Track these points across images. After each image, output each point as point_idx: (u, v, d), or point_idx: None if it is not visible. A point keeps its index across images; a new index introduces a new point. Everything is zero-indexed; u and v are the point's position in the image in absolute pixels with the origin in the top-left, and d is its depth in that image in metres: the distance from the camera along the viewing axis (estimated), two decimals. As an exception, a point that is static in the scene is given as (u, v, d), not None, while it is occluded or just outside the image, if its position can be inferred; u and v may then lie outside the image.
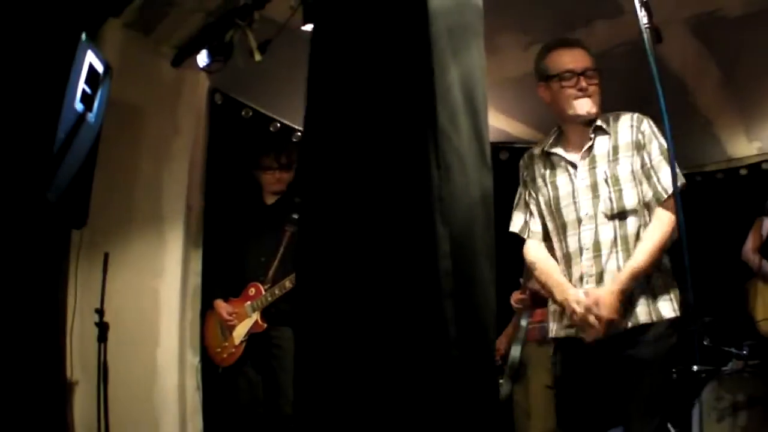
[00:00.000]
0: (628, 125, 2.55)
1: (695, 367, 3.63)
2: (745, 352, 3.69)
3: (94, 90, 2.85)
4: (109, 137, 3.22)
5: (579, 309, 2.41)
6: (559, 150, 2.64)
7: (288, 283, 3.65)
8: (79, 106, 2.74)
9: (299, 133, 4.60)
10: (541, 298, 3.24)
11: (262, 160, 3.98)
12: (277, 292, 3.71)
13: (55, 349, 3.26)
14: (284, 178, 3.99)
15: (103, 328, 3.30)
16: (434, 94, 1.39)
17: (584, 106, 2.54)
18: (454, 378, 1.31)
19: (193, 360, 4.02)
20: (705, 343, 3.79)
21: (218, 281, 3.99)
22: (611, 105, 2.64)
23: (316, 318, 1.50)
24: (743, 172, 5.41)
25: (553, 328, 2.64)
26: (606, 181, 2.49)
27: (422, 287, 1.35)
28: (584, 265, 2.51)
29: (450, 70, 1.44)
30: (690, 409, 3.54)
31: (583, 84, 2.52)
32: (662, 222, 2.43)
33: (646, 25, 2.07)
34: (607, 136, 2.55)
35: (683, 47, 3.78)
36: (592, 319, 2.39)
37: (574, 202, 2.56)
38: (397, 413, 1.33)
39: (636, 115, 2.57)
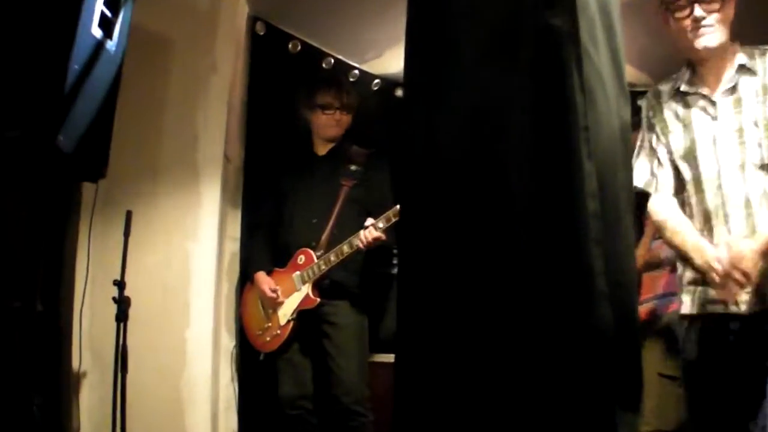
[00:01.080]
0: None
1: None
2: None
3: (116, 13, 2.71)
4: (133, 72, 3.08)
5: (720, 267, 2.25)
6: (694, 89, 2.50)
7: (346, 248, 3.44)
8: (97, 32, 2.59)
9: (356, 71, 4.51)
10: (652, 263, 3.22)
11: (318, 98, 3.78)
12: (332, 258, 3.48)
13: (59, 330, 3.19)
14: (344, 121, 3.80)
15: (123, 305, 3.05)
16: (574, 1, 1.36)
17: (703, 39, 2.40)
18: (602, 345, 1.27)
19: (228, 344, 3.87)
20: None
21: (260, 247, 3.82)
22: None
23: (431, 278, 1.47)
24: None
25: (687, 302, 2.49)
26: (755, 124, 2.36)
27: (567, 231, 1.32)
28: (731, 225, 2.36)
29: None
30: None
31: (700, 12, 2.37)
32: None
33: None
34: (752, 74, 2.41)
35: None
36: (738, 275, 2.21)
37: (715, 149, 2.42)
38: (540, 384, 1.30)
39: None
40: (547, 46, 1.37)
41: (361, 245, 3.40)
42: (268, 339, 3.65)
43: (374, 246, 3.42)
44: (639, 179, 2.59)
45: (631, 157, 1.55)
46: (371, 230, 3.40)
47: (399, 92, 4.44)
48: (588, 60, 1.37)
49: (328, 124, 3.78)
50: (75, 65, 2.44)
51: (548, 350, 1.31)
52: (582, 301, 1.30)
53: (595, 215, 1.31)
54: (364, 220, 3.49)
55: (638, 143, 2.65)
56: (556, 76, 1.35)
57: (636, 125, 2.57)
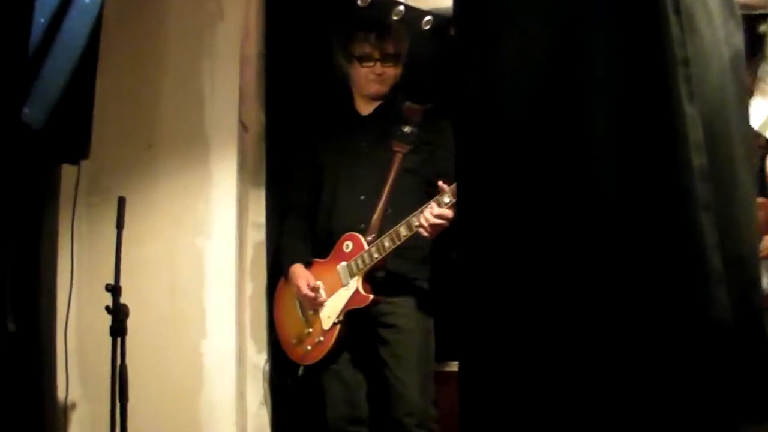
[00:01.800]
0: None
1: None
2: None
3: (89, -52, 2.72)
4: (116, 24, 3.17)
5: None
6: None
7: (404, 230, 3.32)
8: (66, -27, 2.57)
9: (401, 7, 4.26)
10: None
11: (355, 47, 3.71)
12: (387, 244, 3.37)
13: (38, 353, 3.21)
14: (388, 74, 3.71)
15: (119, 315, 3.05)
16: None
17: None
18: (718, 341, 1.27)
19: (257, 359, 3.85)
20: None
21: (294, 234, 3.76)
22: None
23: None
24: None
25: None
26: None
27: (667, 197, 1.31)
28: None
29: None
30: None
31: None
32: None
33: None
34: None
35: None
36: None
37: None
38: (641, 396, 1.31)
39: None
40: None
41: (422, 228, 3.28)
42: (309, 348, 3.59)
43: (439, 228, 3.29)
44: (756, 119, 2.59)
45: (746, 96, 1.51)
46: (433, 207, 3.27)
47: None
48: None
49: (368, 80, 3.71)
50: (40, 17, 2.47)
51: (649, 351, 1.31)
52: (690, 285, 1.29)
53: (701, 174, 1.30)
54: (425, 194, 3.41)
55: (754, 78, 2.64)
56: None
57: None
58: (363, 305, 3.46)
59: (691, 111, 1.31)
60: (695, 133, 1.31)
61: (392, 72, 3.70)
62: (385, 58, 3.67)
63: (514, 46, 1.56)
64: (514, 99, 1.53)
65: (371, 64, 3.66)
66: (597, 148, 1.38)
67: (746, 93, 1.55)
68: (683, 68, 1.32)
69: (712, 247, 1.29)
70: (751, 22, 4.48)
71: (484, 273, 1.54)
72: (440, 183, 3.29)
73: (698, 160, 1.31)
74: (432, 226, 3.24)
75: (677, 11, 1.33)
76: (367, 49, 3.66)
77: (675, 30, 1.32)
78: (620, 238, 1.35)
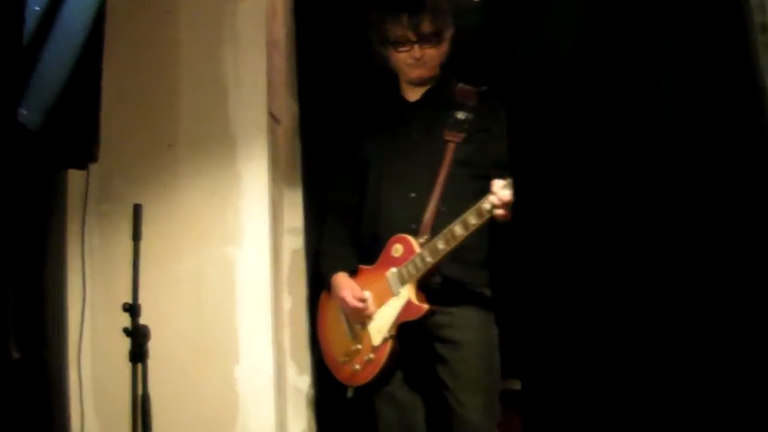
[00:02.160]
0: None
1: None
2: None
3: None
4: (124, 10, 3.21)
5: None
6: None
7: (459, 230, 3.23)
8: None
9: None
10: None
11: (387, 31, 3.65)
12: (441, 247, 3.28)
13: (47, 383, 3.19)
14: (430, 56, 3.64)
15: (138, 338, 2.98)
16: None
17: None
18: None
19: (300, 382, 3.84)
20: None
21: (336, 239, 3.73)
22: None
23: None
24: None
25: None
26: None
27: (747, 180, 1.45)
28: None
29: None
30: None
31: None
32: None
33: None
34: None
35: None
36: None
37: None
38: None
39: None
40: None
41: (498, 210, 3.16)
42: (358, 367, 3.53)
43: (508, 217, 3.21)
44: None
45: None
46: (501, 192, 3.17)
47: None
48: None
49: (407, 65, 3.67)
50: (34, 5, 2.42)
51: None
52: None
53: None
54: (482, 188, 3.28)
55: None
56: None
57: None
58: (417, 317, 3.40)
59: None
60: None
61: (434, 53, 3.64)
62: (422, 39, 3.61)
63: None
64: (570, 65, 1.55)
65: (407, 48, 3.62)
66: (666, 124, 1.42)
67: None
68: (763, 35, 1.43)
69: None
70: None
71: (553, 275, 1.60)
72: (493, 180, 3.23)
73: None
74: (502, 212, 3.17)
75: None
76: (399, 31, 3.62)
77: None
78: (700, 231, 1.31)
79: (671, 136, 1.37)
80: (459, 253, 3.34)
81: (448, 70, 3.72)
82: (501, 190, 3.14)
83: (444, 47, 3.64)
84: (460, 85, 3.66)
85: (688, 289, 1.32)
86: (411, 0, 3.66)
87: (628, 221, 1.38)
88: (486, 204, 3.19)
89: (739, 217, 1.36)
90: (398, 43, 3.61)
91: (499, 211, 3.14)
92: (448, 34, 3.64)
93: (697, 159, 1.38)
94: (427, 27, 3.56)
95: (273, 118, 3.84)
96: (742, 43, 1.29)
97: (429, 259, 3.34)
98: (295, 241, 3.99)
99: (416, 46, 3.58)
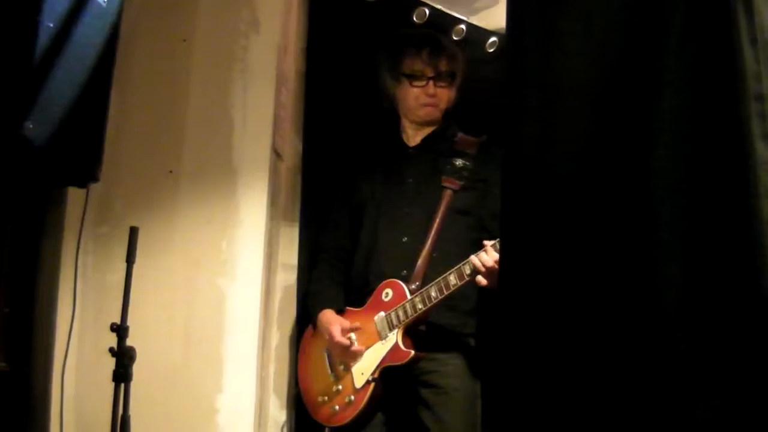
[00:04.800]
0: None
1: None
2: None
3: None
4: (136, 32, 3.23)
5: None
6: None
7: (453, 279, 3.28)
8: (80, -26, 2.55)
9: (463, 26, 4.38)
10: None
11: (405, 64, 3.76)
12: (433, 295, 3.34)
13: (30, 397, 3.18)
14: (442, 96, 3.75)
15: (123, 359, 3.02)
16: None
17: None
18: None
19: (280, 417, 3.83)
20: None
21: (327, 277, 3.81)
22: None
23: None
24: None
25: None
26: None
27: (734, 248, 1.34)
28: None
29: None
30: None
31: None
32: None
33: None
34: None
35: None
36: None
37: None
38: None
39: None
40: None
41: (479, 276, 3.21)
42: (337, 408, 3.55)
43: (489, 284, 3.22)
44: None
45: None
46: (491, 252, 3.22)
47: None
48: (764, 1, 1.39)
49: (419, 101, 3.74)
50: (48, 22, 2.45)
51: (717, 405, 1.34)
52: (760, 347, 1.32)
53: None
54: (478, 238, 3.37)
55: None
56: (714, 22, 1.38)
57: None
58: (402, 362, 3.43)
59: (764, 152, 1.34)
60: (767, 177, 1.33)
61: (446, 94, 3.73)
62: (438, 77, 3.70)
63: (575, 64, 1.59)
64: (571, 123, 1.57)
65: (423, 83, 3.69)
66: (658, 186, 1.42)
67: None
68: (757, 104, 1.34)
69: None
70: None
71: (530, 324, 1.62)
72: (485, 242, 3.27)
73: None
74: (488, 272, 3.19)
75: (753, 42, 1.36)
76: (418, 65, 3.70)
77: (750, 62, 1.35)
78: (685, 286, 1.38)
79: (660, 197, 1.40)
80: (448, 301, 3.38)
81: (452, 118, 3.80)
82: (483, 255, 3.20)
83: (454, 90, 3.75)
84: (461, 134, 3.74)
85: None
86: (431, 39, 3.78)
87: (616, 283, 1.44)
88: (466, 268, 3.27)
89: (727, 285, 1.39)
90: (414, 77, 3.70)
91: (480, 278, 3.20)
92: (459, 80, 3.75)
93: (689, 231, 1.35)
94: (444, 66, 3.69)
95: (276, 153, 3.88)
96: (734, 111, 1.32)
97: (420, 306, 3.39)
98: (288, 278, 4.01)
99: (431, 83, 3.68)
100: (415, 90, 3.74)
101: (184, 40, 3.75)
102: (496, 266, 3.13)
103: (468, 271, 3.28)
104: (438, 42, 3.83)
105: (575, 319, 1.53)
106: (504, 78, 1.79)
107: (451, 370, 3.45)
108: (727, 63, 1.37)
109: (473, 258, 3.25)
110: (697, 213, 1.39)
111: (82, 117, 2.68)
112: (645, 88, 1.46)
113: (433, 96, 3.73)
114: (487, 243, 3.26)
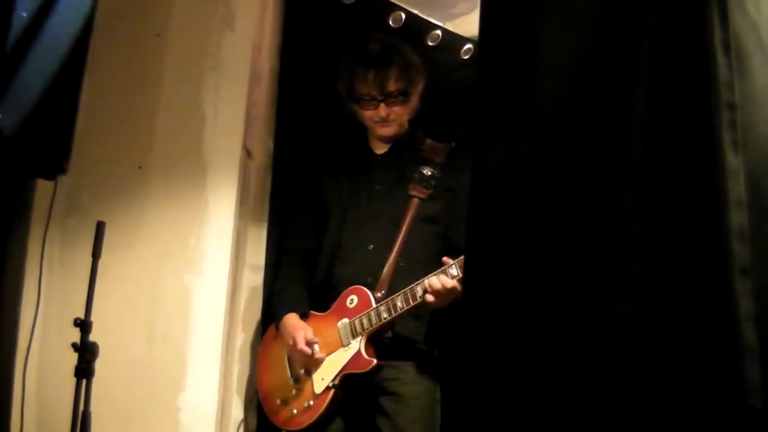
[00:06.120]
0: None
1: None
2: None
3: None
4: (110, 25, 3.21)
5: None
6: None
7: (421, 290, 3.27)
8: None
9: (439, 32, 4.38)
10: None
11: (355, 87, 3.68)
12: (399, 305, 3.33)
13: None
14: (398, 115, 3.69)
15: (86, 354, 3.00)
16: None
17: None
18: (743, 418, 1.26)
19: (241, 417, 3.82)
20: None
21: (292, 281, 3.77)
22: None
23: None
24: None
25: None
26: None
27: (699, 257, 1.33)
28: None
29: None
30: None
31: None
32: None
33: None
34: None
35: None
36: None
37: None
38: None
39: None
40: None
41: (427, 298, 3.23)
42: (294, 413, 3.54)
43: (446, 303, 3.25)
44: None
45: None
46: (442, 277, 3.24)
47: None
48: (738, 7, 1.38)
49: (373, 122, 3.73)
50: (22, 11, 2.47)
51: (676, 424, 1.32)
52: (720, 358, 1.30)
53: (740, 234, 1.31)
54: (445, 248, 3.40)
55: None
56: (688, 29, 1.38)
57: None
58: (364, 370, 3.43)
59: (733, 161, 1.33)
60: (736, 187, 1.32)
61: (400, 111, 3.69)
62: (388, 98, 3.65)
63: (547, 68, 1.59)
64: (541, 128, 1.57)
65: (373, 106, 3.67)
66: (627, 193, 1.42)
67: None
68: (728, 113, 1.33)
69: (747, 318, 1.29)
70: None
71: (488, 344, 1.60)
72: (444, 258, 3.27)
73: (738, 217, 1.32)
74: (435, 299, 3.22)
75: (726, 50, 1.35)
76: (365, 89, 3.66)
77: (723, 70, 1.35)
78: (646, 300, 1.37)
79: (629, 204, 1.38)
80: (414, 310, 3.37)
81: (419, 124, 3.78)
82: (434, 279, 3.22)
83: (412, 104, 3.70)
84: (429, 141, 3.72)
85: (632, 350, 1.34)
86: (378, 57, 3.68)
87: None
88: (418, 289, 3.29)
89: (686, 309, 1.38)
90: (364, 101, 3.66)
91: (429, 297, 3.22)
92: (417, 89, 3.69)
93: (656, 238, 1.32)
94: (392, 86, 3.61)
95: (247, 152, 3.87)
96: (705, 119, 1.32)
97: (385, 316, 3.38)
98: (254, 279, 3.98)
99: (382, 105, 3.63)
100: (368, 112, 3.70)
101: (158, 35, 3.74)
102: (443, 292, 3.20)
103: (419, 293, 3.29)
104: (387, 59, 3.73)
105: (537, 329, 1.52)
106: (474, 82, 1.78)
107: (411, 378, 3.44)
108: (700, 70, 1.37)
109: (426, 280, 3.27)
110: (665, 220, 1.38)
111: (52, 108, 2.67)
112: (617, 93, 1.46)
113: (386, 117, 3.69)
114: (448, 260, 3.27)
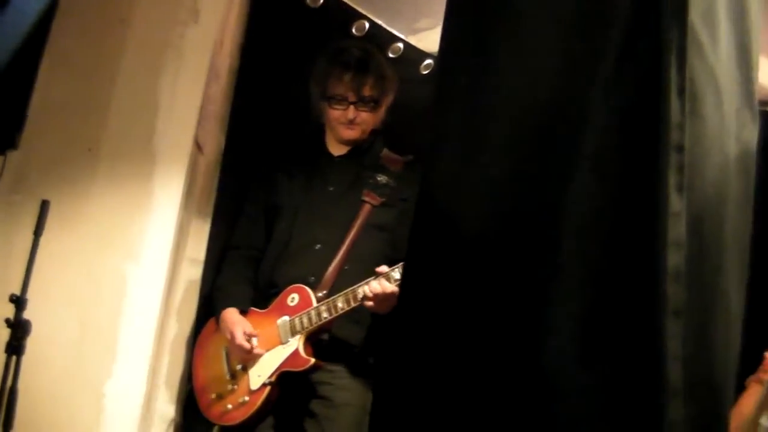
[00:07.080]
0: None
1: None
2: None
3: None
4: (74, 12, 3.21)
5: None
6: None
7: (361, 292, 3.31)
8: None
9: (401, 45, 4.43)
10: None
11: (330, 84, 3.73)
12: (340, 305, 3.37)
13: None
14: (364, 120, 3.75)
15: (19, 331, 3.03)
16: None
17: None
18: None
19: (167, 410, 3.78)
20: None
21: (232, 276, 3.79)
22: None
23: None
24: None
25: None
26: None
27: (634, 297, 1.33)
28: None
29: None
30: None
31: None
32: None
33: None
34: None
35: None
36: None
37: None
38: None
39: None
40: (639, 27, 1.39)
41: (366, 302, 3.28)
42: (229, 407, 3.55)
43: (386, 308, 3.28)
44: None
45: (751, 198, 1.51)
46: (383, 282, 3.27)
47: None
48: (697, 52, 1.37)
49: (339, 123, 3.76)
50: None
51: None
52: (643, 398, 1.29)
53: (676, 275, 1.30)
54: (390, 255, 3.43)
55: None
56: (645, 70, 1.37)
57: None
58: (301, 369, 3.44)
59: (676, 203, 1.32)
60: (676, 227, 1.32)
61: (368, 118, 3.74)
62: (360, 101, 3.70)
63: (503, 93, 1.58)
64: (491, 151, 1.56)
65: (343, 107, 3.70)
66: (568, 226, 1.41)
67: (751, 195, 1.53)
68: (676, 154, 1.33)
69: (674, 359, 1.28)
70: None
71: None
72: (377, 269, 3.31)
73: (675, 258, 1.31)
74: (374, 302, 3.26)
75: (681, 92, 1.34)
76: (340, 89, 3.70)
77: (675, 112, 1.34)
78: (578, 336, 1.36)
79: (572, 235, 1.35)
80: (354, 314, 3.40)
81: (379, 134, 3.82)
82: (375, 283, 3.26)
83: (380, 114, 3.75)
84: (387, 151, 3.78)
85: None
86: (358, 61, 3.73)
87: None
88: (359, 291, 3.32)
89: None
90: (335, 101, 3.69)
91: (369, 303, 3.26)
92: (387, 101, 3.75)
93: (591, 276, 1.35)
94: (367, 91, 3.67)
95: (198, 146, 3.87)
96: (652, 159, 1.32)
97: (325, 315, 3.40)
98: (193, 272, 3.97)
99: (352, 107, 3.67)
100: (336, 113, 3.73)
101: (122, 20, 3.71)
102: (381, 296, 3.23)
103: (360, 295, 3.32)
104: (365, 65, 3.79)
105: (470, 346, 1.50)
106: (431, 98, 1.79)
107: (344, 383, 3.45)
108: (653, 110, 1.36)
109: (366, 285, 3.30)
110: (603, 257, 1.37)
111: (8, 83, 2.73)
112: (567, 127, 1.46)
113: (353, 120, 3.72)
114: (382, 268, 3.31)
